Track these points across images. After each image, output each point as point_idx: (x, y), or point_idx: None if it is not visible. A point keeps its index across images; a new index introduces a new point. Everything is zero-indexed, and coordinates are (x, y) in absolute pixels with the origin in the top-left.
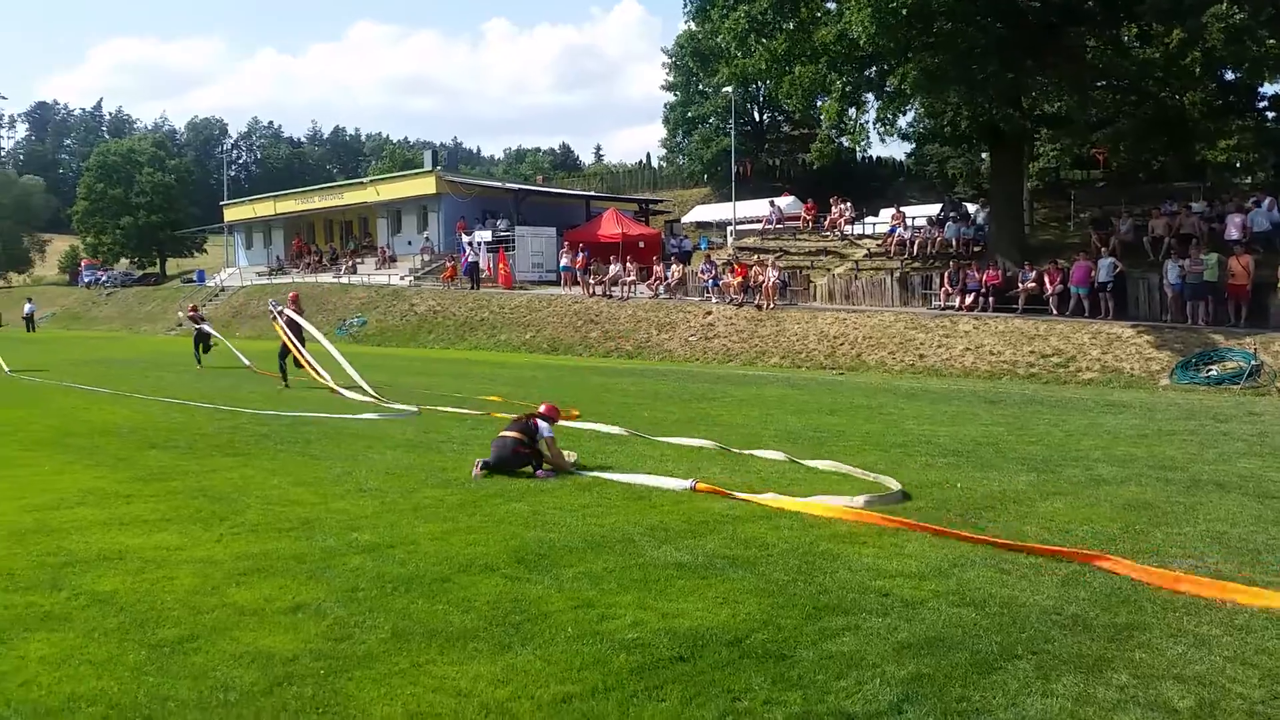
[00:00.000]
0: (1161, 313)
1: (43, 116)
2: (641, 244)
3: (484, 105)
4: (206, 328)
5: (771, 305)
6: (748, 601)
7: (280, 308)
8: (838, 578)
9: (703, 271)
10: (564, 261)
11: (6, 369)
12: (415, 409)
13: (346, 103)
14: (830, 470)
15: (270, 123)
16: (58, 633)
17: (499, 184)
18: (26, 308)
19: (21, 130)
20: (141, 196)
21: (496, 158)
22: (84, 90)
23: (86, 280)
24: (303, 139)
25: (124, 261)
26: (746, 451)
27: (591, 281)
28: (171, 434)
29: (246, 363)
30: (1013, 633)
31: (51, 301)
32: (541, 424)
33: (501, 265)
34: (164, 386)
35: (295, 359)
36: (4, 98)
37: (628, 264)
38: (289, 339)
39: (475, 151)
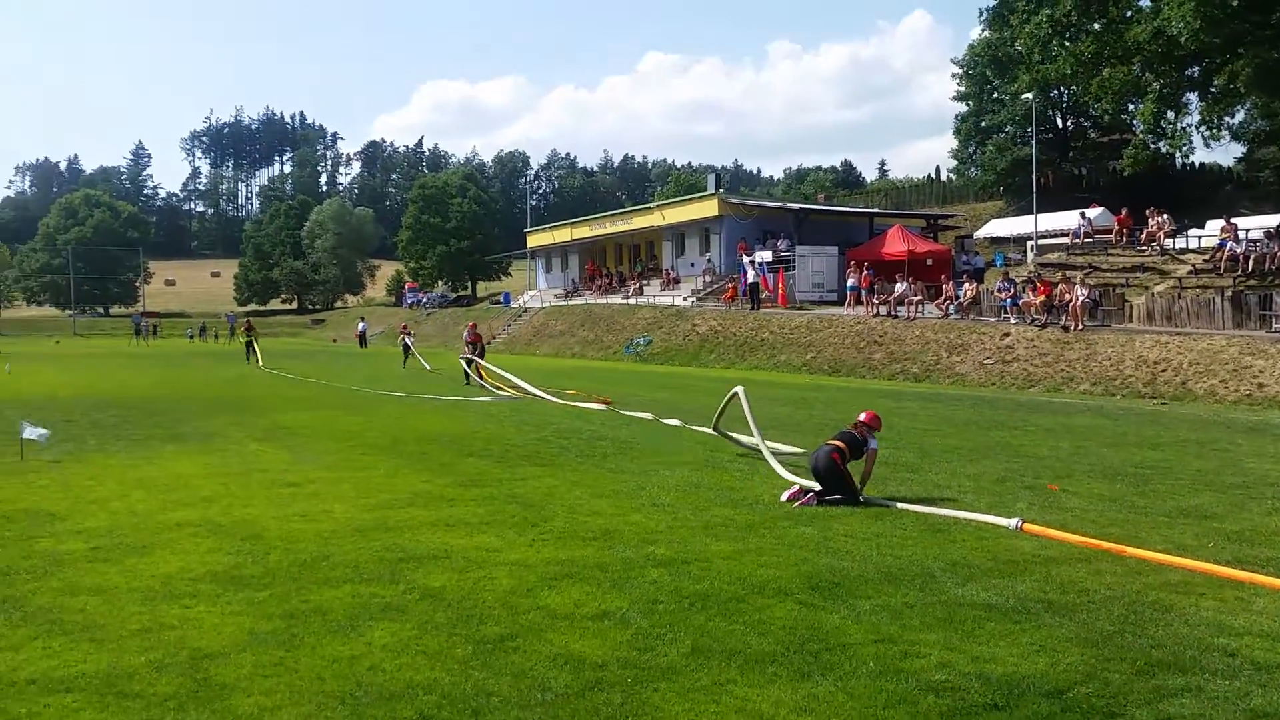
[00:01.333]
0: None
1: (373, 154)
2: (929, 261)
3: (765, 126)
4: (409, 341)
5: (1080, 326)
6: (1068, 651)
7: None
8: (1172, 631)
9: (999, 290)
10: (849, 281)
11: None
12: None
13: (635, 131)
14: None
15: (567, 154)
16: (396, 623)
17: (780, 204)
18: (360, 326)
19: (356, 167)
20: (455, 225)
21: (776, 178)
22: (407, 129)
23: (409, 301)
24: (595, 168)
25: (440, 284)
26: (1054, 486)
27: (876, 301)
28: (486, 443)
29: (428, 368)
30: None
31: (380, 321)
32: (871, 437)
33: (779, 286)
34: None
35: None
36: (342, 138)
37: (914, 282)
38: (469, 356)
39: (755, 173)
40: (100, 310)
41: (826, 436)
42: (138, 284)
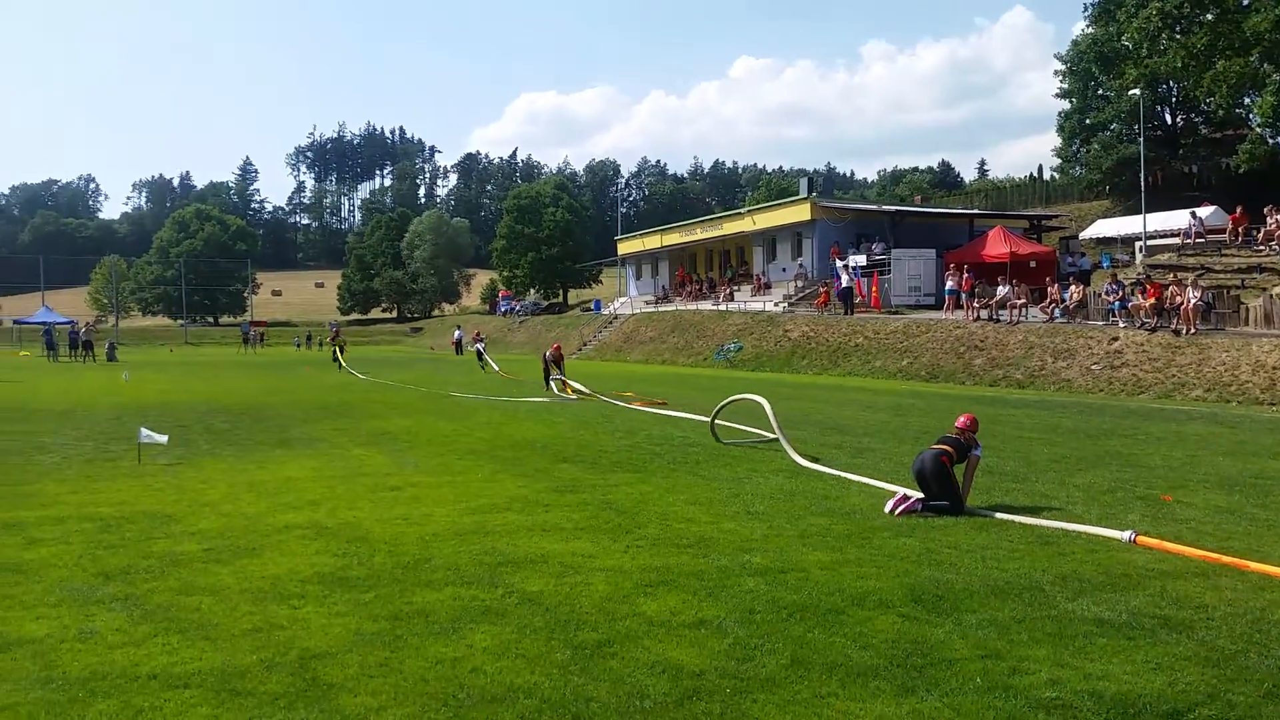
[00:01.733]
0: None
1: (469, 166)
2: (1033, 263)
3: (859, 128)
4: (480, 347)
5: (1192, 330)
6: (1187, 670)
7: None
8: None
9: (1107, 292)
10: (947, 284)
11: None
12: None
13: (726, 137)
14: None
15: (657, 161)
16: (496, 626)
17: (874, 206)
18: (456, 334)
19: (453, 179)
20: (547, 233)
21: (870, 180)
22: (501, 141)
23: (503, 309)
24: (685, 174)
25: (532, 292)
26: (1169, 499)
27: (976, 305)
28: (579, 450)
29: (496, 368)
30: None
31: (475, 328)
32: (974, 444)
33: (873, 289)
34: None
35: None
36: (440, 151)
37: (1017, 285)
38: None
39: (849, 175)
40: (210, 320)
41: (927, 444)
42: (246, 294)
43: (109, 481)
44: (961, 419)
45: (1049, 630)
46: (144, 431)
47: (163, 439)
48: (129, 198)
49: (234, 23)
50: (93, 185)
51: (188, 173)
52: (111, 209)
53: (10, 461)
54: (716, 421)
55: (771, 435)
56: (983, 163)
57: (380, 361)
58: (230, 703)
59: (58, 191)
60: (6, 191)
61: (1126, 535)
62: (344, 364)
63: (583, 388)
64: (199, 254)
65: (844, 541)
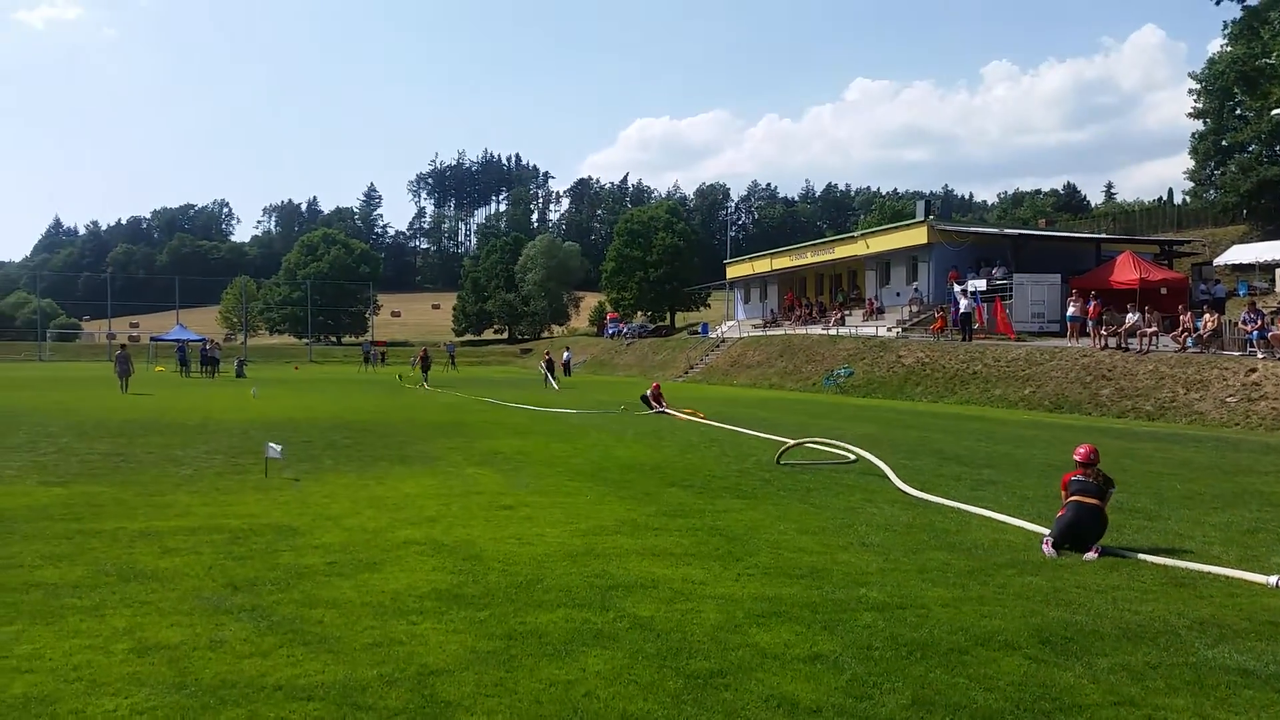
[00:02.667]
0: None
1: (581, 191)
2: (1163, 290)
3: (979, 150)
4: (543, 368)
5: None
6: None
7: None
8: None
9: (1244, 321)
10: (1071, 310)
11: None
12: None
13: (838, 160)
14: None
15: (767, 185)
16: (609, 650)
17: (995, 230)
18: (565, 355)
19: (565, 203)
20: (655, 257)
21: (990, 203)
22: (612, 166)
23: (610, 332)
24: (796, 198)
25: (640, 315)
26: None
27: (1104, 332)
28: (686, 474)
29: (555, 387)
30: None
31: (583, 350)
32: (1107, 484)
33: (998, 315)
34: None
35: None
36: (553, 177)
37: (1147, 313)
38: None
39: (966, 198)
40: (333, 339)
41: (1052, 477)
42: (367, 315)
43: (238, 494)
44: (1081, 450)
45: (1187, 678)
46: (270, 446)
47: (279, 451)
48: (259, 221)
49: (362, 57)
50: (226, 209)
51: (315, 198)
52: (243, 232)
53: (148, 473)
54: (789, 462)
55: (850, 458)
56: (1109, 185)
57: (491, 382)
58: (352, 716)
59: (194, 215)
60: (148, 215)
61: (1272, 580)
62: (426, 381)
63: (676, 412)
64: (324, 276)
65: (965, 578)
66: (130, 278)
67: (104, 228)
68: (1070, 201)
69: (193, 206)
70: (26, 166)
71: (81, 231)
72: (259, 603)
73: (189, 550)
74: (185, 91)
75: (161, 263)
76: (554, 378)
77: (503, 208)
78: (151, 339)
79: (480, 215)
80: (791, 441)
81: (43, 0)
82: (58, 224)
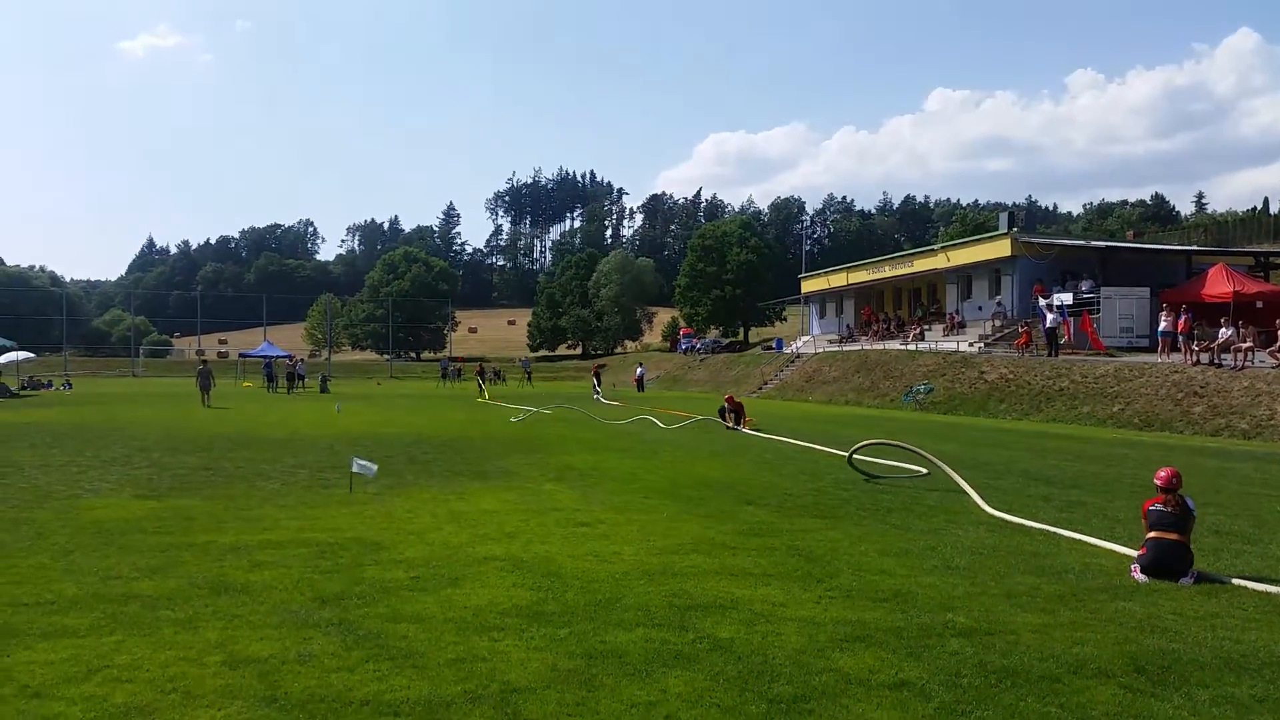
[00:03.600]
0: None
1: (654, 206)
2: (1260, 304)
3: (1064, 160)
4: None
5: None
6: None
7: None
8: None
9: None
10: (1162, 325)
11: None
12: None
13: (916, 172)
14: None
15: (843, 197)
16: (689, 672)
17: (1082, 242)
18: (638, 371)
19: (638, 219)
20: (730, 273)
21: (1075, 214)
22: (686, 181)
23: (683, 347)
24: (872, 210)
25: (713, 330)
26: None
27: (1195, 348)
28: (763, 492)
29: (599, 396)
30: None
31: (657, 366)
32: (1190, 501)
33: (1086, 329)
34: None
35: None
36: (627, 193)
37: (1241, 327)
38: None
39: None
40: (413, 355)
41: (1141, 498)
42: (446, 331)
43: (323, 508)
44: (1162, 474)
45: None
46: (356, 461)
47: (372, 469)
48: (343, 240)
49: (443, 80)
50: (311, 229)
51: (396, 217)
52: (328, 251)
53: (236, 487)
54: (861, 457)
55: (923, 470)
56: (1200, 195)
57: (570, 397)
58: None
59: (281, 234)
60: (237, 235)
61: None
62: (486, 393)
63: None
64: (405, 293)
65: (1056, 603)
66: (219, 295)
67: (194, 247)
68: (1159, 212)
69: (280, 226)
70: (123, 187)
71: (173, 251)
72: (345, 617)
73: (277, 564)
74: (274, 114)
75: (249, 281)
76: (600, 389)
77: (577, 224)
78: (240, 355)
79: (555, 232)
80: (868, 441)
81: (144, 29)
82: (151, 244)
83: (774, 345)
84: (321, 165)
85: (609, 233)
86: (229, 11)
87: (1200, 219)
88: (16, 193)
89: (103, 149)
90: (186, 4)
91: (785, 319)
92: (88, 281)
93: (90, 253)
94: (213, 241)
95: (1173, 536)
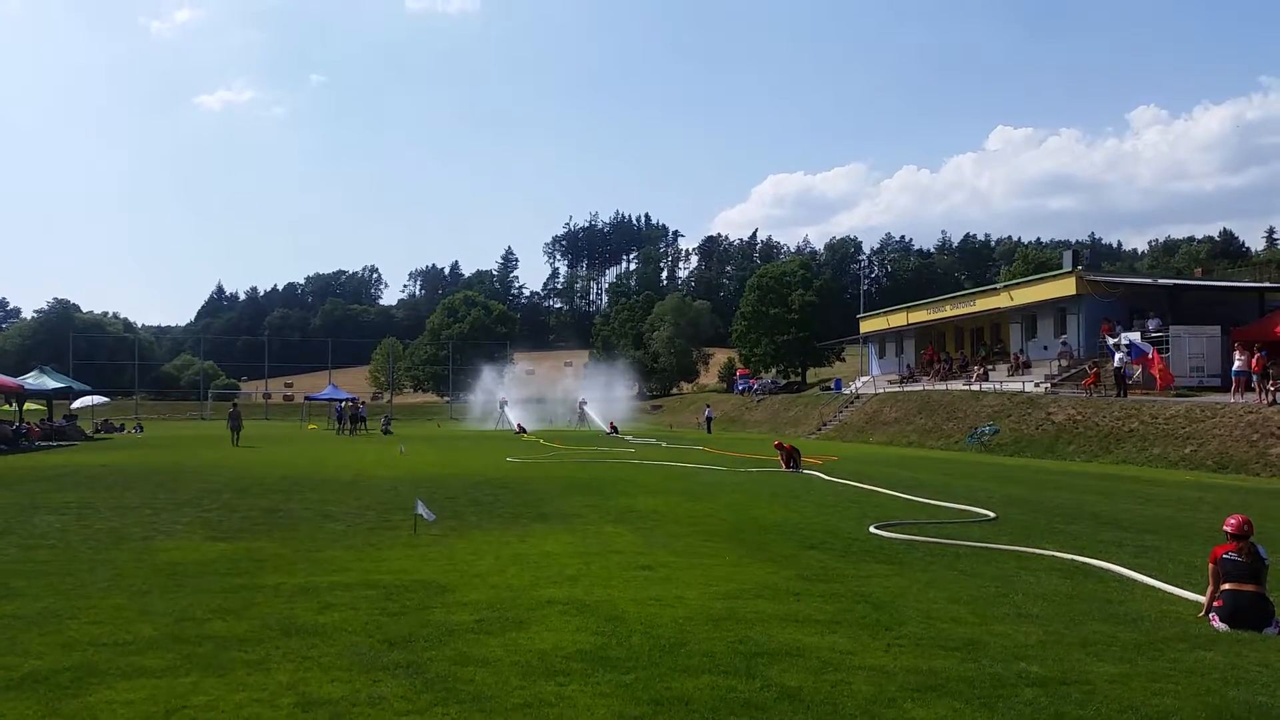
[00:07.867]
0: None
1: (710, 248)
2: None
3: (1128, 197)
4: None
5: None
6: None
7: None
8: None
9: None
10: (1236, 364)
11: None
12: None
13: (977, 210)
14: None
15: (901, 237)
16: None
17: (1149, 280)
18: (706, 412)
19: (694, 260)
20: (790, 314)
21: (1140, 251)
22: (741, 223)
23: (740, 388)
24: (931, 249)
25: (771, 370)
26: None
27: (1270, 387)
28: (826, 536)
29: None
30: None
31: (713, 407)
32: (1261, 549)
33: (1155, 369)
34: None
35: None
36: (682, 235)
37: None
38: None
39: (1115, 247)
40: (473, 396)
41: (1213, 542)
42: (503, 374)
43: (389, 549)
44: (1232, 521)
45: None
46: (420, 503)
47: (431, 516)
48: (405, 285)
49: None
50: (375, 274)
51: (457, 262)
52: (390, 296)
53: (304, 528)
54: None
55: (990, 514)
56: (1271, 230)
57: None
58: None
59: (345, 280)
60: (303, 281)
61: None
62: (525, 431)
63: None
64: (464, 336)
65: (1133, 652)
66: (285, 340)
67: (261, 293)
68: (1227, 248)
69: (344, 272)
70: (194, 235)
71: (241, 297)
72: (414, 659)
73: (346, 606)
74: (341, 164)
75: (315, 325)
76: (619, 432)
77: (633, 266)
78: (305, 398)
79: (611, 274)
80: (901, 522)
81: (221, 84)
82: (220, 290)
83: (833, 386)
84: (386, 212)
85: (664, 274)
86: (303, 65)
87: (1272, 255)
88: (94, 241)
89: (176, 199)
90: (264, 60)
91: (844, 359)
92: (158, 327)
93: (162, 299)
94: (280, 288)
95: (1250, 588)
